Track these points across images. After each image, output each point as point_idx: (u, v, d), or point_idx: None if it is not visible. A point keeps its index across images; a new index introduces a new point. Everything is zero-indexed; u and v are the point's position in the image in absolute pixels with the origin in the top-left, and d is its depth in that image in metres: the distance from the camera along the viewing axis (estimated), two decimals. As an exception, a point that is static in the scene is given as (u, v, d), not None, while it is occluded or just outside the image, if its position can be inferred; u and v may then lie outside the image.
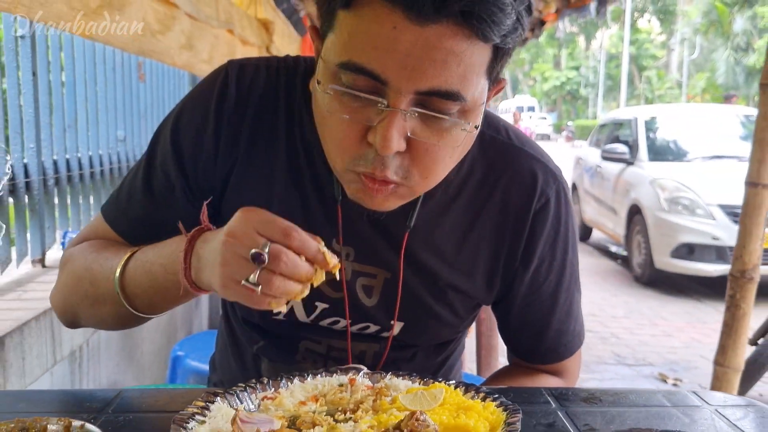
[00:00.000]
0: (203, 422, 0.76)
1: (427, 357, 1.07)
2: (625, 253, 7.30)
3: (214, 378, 1.20)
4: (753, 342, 3.80)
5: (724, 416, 0.88)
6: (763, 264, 5.95)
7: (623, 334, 5.13)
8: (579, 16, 5.35)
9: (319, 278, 0.73)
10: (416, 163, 0.79)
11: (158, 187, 0.94)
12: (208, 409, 0.78)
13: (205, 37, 3.07)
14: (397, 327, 1.00)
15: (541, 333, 1.04)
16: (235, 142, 0.92)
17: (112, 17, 1.96)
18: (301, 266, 0.69)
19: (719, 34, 26.81)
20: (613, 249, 7.94)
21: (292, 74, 0.95)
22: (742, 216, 2.22)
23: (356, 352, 1.02)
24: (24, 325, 1.52)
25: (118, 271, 0.87)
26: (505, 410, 0.77)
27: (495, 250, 0.97)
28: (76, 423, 0.70)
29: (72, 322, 1.01)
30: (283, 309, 0.74)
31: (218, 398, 0.80)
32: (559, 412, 0.87)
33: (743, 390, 3.72)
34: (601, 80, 41.23)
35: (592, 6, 5.07)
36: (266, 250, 0.68)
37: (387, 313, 0.98)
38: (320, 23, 0.80)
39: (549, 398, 0.92)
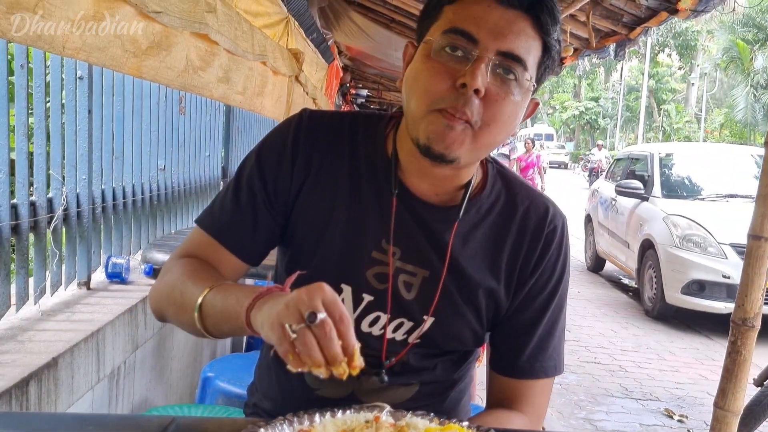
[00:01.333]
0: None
1: (446, 371, 1.22)
2: (636, 285, 7.38)
3: (254, 399, 1.32)
4: (759, 383, 3.88)
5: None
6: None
7: (631, 368, 5.20)
8: (598, 56, 5.48)
9: (341, 369, 0.83)
10: (487, 108, 1.01)
11: (244, 199, 1.15)
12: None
13: (240, 70, 3.23)
14: (428, 322, 1.15)
15: (523, 343, 1.19)
16: (307, 164, 1.14)
17: (159, 57, 2.13)
18: (335, 345, 0.81)
19: (739, 71, 26.84)
20: (625, 281, 8.02)
21: (355, 116, 1.21)
22: (745, 266, 2.32)
23: (388, 355, 1.17)
24: (75, 347, 1.67)
25: (200, 299, 1.01)
26: (512, 451, 0.90)
27: (513, 260, 1.17)
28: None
29: (161, 318, 1.18)
30: (293, 369, 0.83)
31: (261, 429, 0.93)
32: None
33: (748, 431, 3.79)
34: (620, 112, 41.28)
35: (611, 48, 5.21)
36: (320, 316, 0.81)
37: (421, 308, 1.14)
38: (418, 33, 1.09)
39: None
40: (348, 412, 1.02)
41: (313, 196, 1.15)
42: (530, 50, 1.03)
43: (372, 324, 1.15)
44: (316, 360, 0.81)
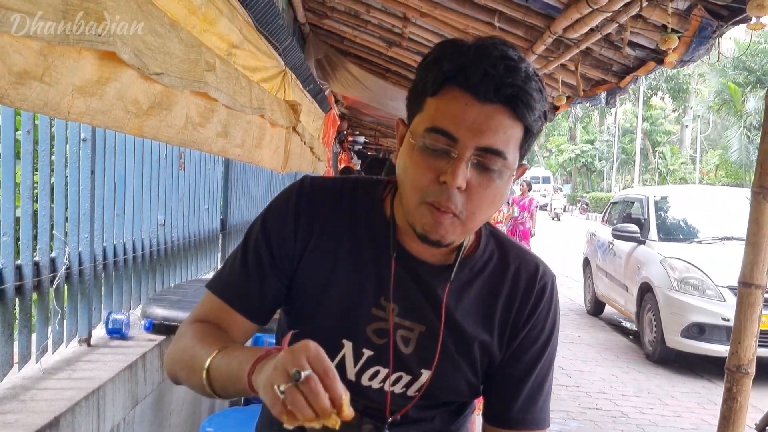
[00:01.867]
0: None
1: (444, 422, 1.27)
2: (636, 329, 7.36)
3: None
4: (761, 428, 3.86)
5: None
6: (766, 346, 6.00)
7: (633, 414, 5.17)
8: (590, 103, 5.60)
9: (332, 421, 0.86)
10: (470, 201, 1.07)
11: (252, 263, 1.21)
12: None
13: (238, 124, 3.30)
14: (425, 375, 1.20)
15: (515, 394, 1.24)
16: (309, 229, 1.21)
17: (160, 116, 2.19)
18: (322, 399, 0.85)
19: (732, 113, 27.21)
20: (626, 324, 8.01)
21: (355, 182, 1.28)
22: (737, 313, 2.36)
23: (390, 408, 1.22)
24: (75, 405, 1.69)
25: (207, 362, 1.07)
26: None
27: (506, 314, 1.23)
28: None
29: (175, 381, 1.22)
30: (289, 426, 0.87)
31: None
32: None
33: (751, 477, 3.76)
34: (615, 154, 41.64)
35: (602, 95, 5.32)
36: (305, 374, 0.85)
37: (419, 362, 1.20)
38: (408, 115, 1.15)
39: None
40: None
41: (315, 259, 1.21)
42: (510, 139, 1.07)
43: (372, 378, 1.21)
44: (307, 416, 0.85)
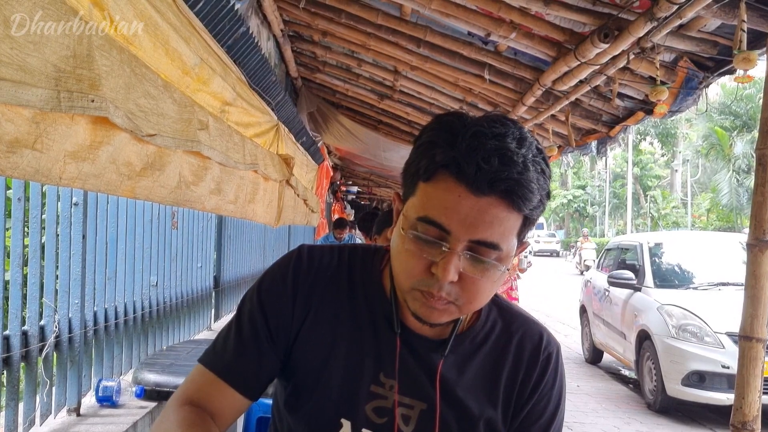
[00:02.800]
0: None
1: None
2: (636, 377, 7.27)
3: None
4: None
5: None
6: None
7: (637, 468, 5.06)
8: (581, 152, 5.64)
9: None
10: (464, 291, 1.03)
11: (247, 336, 1.16)
12: None
13: (232, 180, 3.29)
14: None
15: None
16: (307, 300, 1.16)
17: (153, 177, 2.18)
18: None
19: (720, 157, 27.54)
20: (625, 372, 7.90)
21: (352, 252, 1.23)
22: (739, 368, 2.33)
23: None
24: (63, 482, 1.63)
25: None
26: None
27: (510, 387, 1.18)
28: None
29: None
30: None
31: None
32: None
33: None
34: (607, 199, 41.91)
35: (593, 144, 5.37)
36: None
37: None
38: (403, 192, 1.10)
39: None
40: None
41: (313, 333, 1.17)
42: (506, 231, 1.02)
43: None
44: None
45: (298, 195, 5.28)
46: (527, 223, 1.05)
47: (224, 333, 1.21)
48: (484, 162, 0.97)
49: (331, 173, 9.74)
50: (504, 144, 0.98)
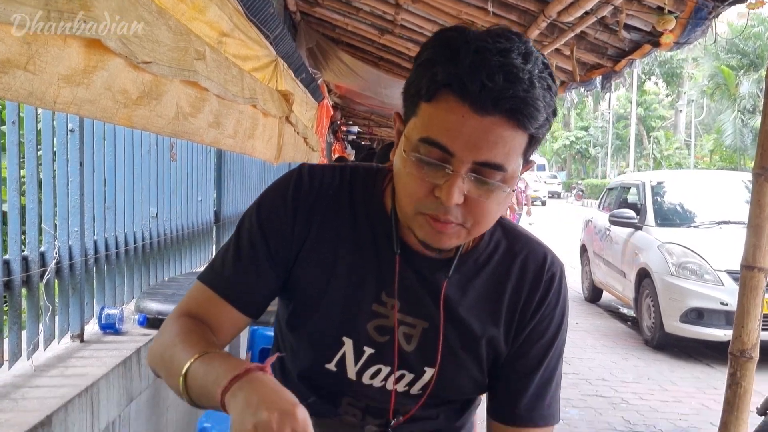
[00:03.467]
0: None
1: (448, 419, 1.23)
2: (635, 315, 7.36)
3: None
4: (762, 412, 3.85)
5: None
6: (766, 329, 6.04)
7: (633, 400, 5.16)
8: (585, 88, 5.55)
9: None
10: (470, 213, 1.01)
11: (246, 254, 1.15)
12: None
13: (230, 114, 3.25)
14: (428, 374, 1.15)
15: (522, 390, 1.18)
16: (308, 220, 1.15)
17: (150, 106, 2.14)
18: None
19: (726, 97, 27.23)
20: (624, 311, 8.00)
21: (353, 171, 1.21)
22: (740, 297, 2.33)
23: (394, 408, 1.18)
24: (68, 403, 1.65)
25: (185, 367, 1.00)
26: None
27: (513, 306, 1.17)
28: None
29: (156, 374, 1.16)
30: None
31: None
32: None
33: (752, 460, 3.75)
34: (610, 140, 41.66)
35: (597, 80, 5.28)
36: None
37: (422, 360, 1.15)
38: (404, 112, 1.06)
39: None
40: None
41: (314, 253, 1.15)
42: (511, 151, 0.99)
43: (373, 377, 1.16)
44: None
45: (298, 133, 5.23)
46: (533, 141, 1.02)
47: (223, 252, 1.19)
48: (488, 79, 0.92)
49: (332, 112, 9.64)
50: (509, 60, 0.93)
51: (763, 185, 2.31)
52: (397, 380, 1.16)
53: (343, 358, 1.16)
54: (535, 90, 0.95)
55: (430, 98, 0.98)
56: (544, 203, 33.83)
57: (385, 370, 1.16)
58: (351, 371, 1.16)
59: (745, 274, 2.31)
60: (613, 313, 8.47)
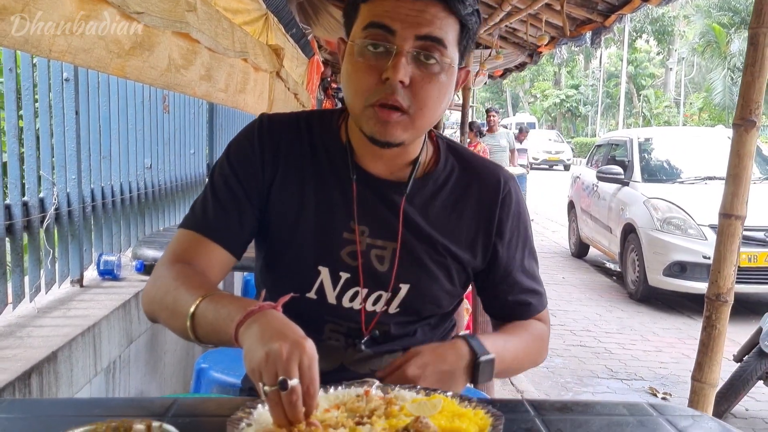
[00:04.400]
0: (250, 425, 0.95)
1: (425, 335, 1.31)
2: (620, 269, 7.50)
3: (249, 385, 1.38)
4: (738, 359, 3.99)
5: (672, 424, 1.07)
6: (745, 282, 6.19)
7: (616, 349, 5.31)
8: (574, 44, 5.56)
9: (301, 427, 0.88)
10: (415, 95, 1.10)
11: (223, 196, 1.23)
12: (252, 414, 0.97)
13: (222, 67, 3.27)
14: (404, 290, 1.25)
15: (509, 290, 1.33)
16: (274, 162, 1.24)
17: (142, 57, 2.17)
18: (298, 412, 0.88)
19: (716, 55, 27.14)
20: (609, 266, 8.14)
21: (310, 114, 1.31)
22: (717, 244, 2.41)
23: (369, 326, 1.26)
24: (72, 341, 1.72)
25: (193, 308, 1.06)
26: (491, 416, 0.97)
27: (475, 225, 1.29)
28: (155, 423, 0.89)
29: (152, 319, 1.23)
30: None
31: (259, 405, 0.99)
32: (536, 420, 1.07)
33: (729, 405, 3.90)
34: (600, 98, 41.55)
35: (587, 36, 5.29)
36: (291, 383, 0.86)
37: (396, 278, 1.24)
38: (345, 30, 1.18)
39: (528, 408, 1.12)
40: (339, 388, 1.08)
41: (283, 192, 1.24)
42: (446, 30, 1.11)
43: (352, 299, 1.25)
44: (279, 422, 0.88)
45: (288, 88, 5.23)
46: (465, 31, 1.14)
47: (201, 199, 1.26)
48: None
49: (322, 68, 9.57)
50: None
51: (742, 135, 2.36)
52: (376, 301, 1.25)
53: (321, 285, 1.24)
54: None
55: None
56: (567, 167, 30.32)
57: (363, 291, 1.24)
58: (331, 296, 1.25)
59: (723, 222, 2.39)
60: (599, 267, 8.62)
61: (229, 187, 1.23)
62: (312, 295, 1.25)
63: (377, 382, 1.10)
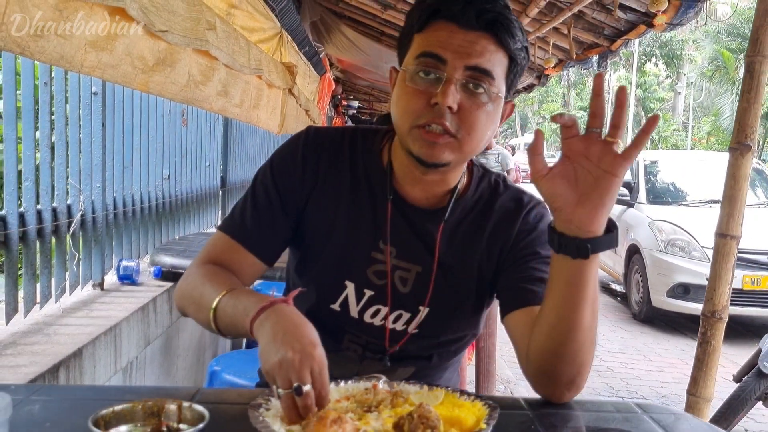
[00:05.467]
0: (269, 410, 1.04)
1: (440, 358, 1.36)
2: (624, 290, 7.55)
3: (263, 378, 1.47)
4: (737, 379, 4.04)
5: (656, 421, 1.16)
6: (748, 305, 6.21)
7: (618, 368, 5.37)
8: (582, 67, 5.68)
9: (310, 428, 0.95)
10: (462, 122, 1.14)
11: (262, 205, 1.30)
12: (270, 401, 1.07)
13: (237, 84, 3.40)
14: (423, 312, 1.29)
15: (528, 279, 1.26)
16: (314, 175, 1.29)
17: (165, 73, 2.29)
18: (312, 412, 0.94)
19: (725, 80, 27.21)
20: (614, 286, 8.19)
21: (354, 131, 1.36)
22: (713, 262, 2.50)
23: (390, 344, 1.31)
24: (96, 339, 1.83)
25: (215, 302, 1.15)
26: (488, 407, 1.06)
27: (494, 243, 1.30)
28: (186, 404, 0.99)
29: (183, 313, 1.31)
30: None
31: (278, 391, 1.08)
32: (530, 414, 1.16)
33: (728, 424, 3.95)
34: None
35: (594, 59, 5.40)
36: (305, 388, 0.94)
37: (416, 300, 1.29)
38: (399, 58, 1.22)
39: (523, 404, 1.20)
40: (349, 382, 1.18)
41: (319, 204, 1.30)
42: (495, 63, 1.16)
43: (373, 316, 1.30)
44: (292, 420, 0.95)
45: (300, 105, 5.36)
46: (513, 65, 1.19)
47: (241, 203, 1.33)
48: (469, 1, 1.13)
49: (333, 86, 9.73)
50: None
51: (738, 158, 2.47)
52: (396, 319, 1.30)
53: (346, 299, 1.30)
54: (510, 12, 1.15)
55: (422, 28, 1.16)
56: None
57: (384, 310, 1.30)
58: (353, 311, 1.30)
59: (719, 242, 2.48)
60: (604, 288, 8.66)
61: (268, 196, 1.29)
62: (336, 306, 1.30)
63: (384, 378, 1.19)
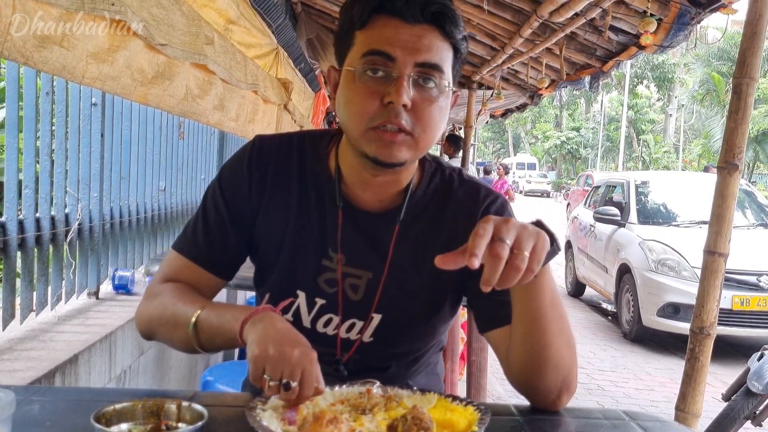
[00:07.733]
0: (265, 410, 1.07)
1: (399, 369, 1.32)
2: (615, 309, 7.59)
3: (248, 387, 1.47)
4: (726, 398, 4.08)
5: (642, 427, 1.19)
6: (738, 325, 6.26)
7: (608, 387, 5.39)
8: (574, 87, 5.76)
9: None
10: (418, 118, 1.12)
11: (212, 221, 1.27)
12: (265, 403, 1.09)
13: (234, 98, 3.44)
14: (376, 320, 1.27)
15: (501, 295, 1.16)
16: (262, 185, 1.27)
17: (163, 86, 2.33)
18: (291, 404, 0.99)
19: (716, 103, 27.56)
20: (605, 305, 8.23)
21: (301, 137, 1.32)
22: (701, 279, 2.54)
23: (343, 353, 1.29)
24: (91, 346, 1.84)
25: (194, 317, 1.15)
26: (479, 411, 1.09)
27: (451, 243, 1.17)
28: (185, 404, 1.01)
29: (148, 337, 1.31)
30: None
31: (272, 397, 1.11)
32: (520, 420, 1.18)
33: (717, 443, 3.97)
34: (600, 142, 41.99)
35: (586, 80, 5.49)
36: (293, 385, 0.97)
37: (368, 307, 1.27)
38: (338, 59, 1.18)
39: (514, 410, 1.23)
40: (344, 386, 1.20)
41: (269, 214, 1.28)
42: (443, 56, 1.14)
43: (326, 325, 1.29)
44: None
45: (295, 121, 5.40)
46: (458, 56, 1.18)
47: (193, 221, 1.31)
48: None
49: (328, 103, 9.79)
50: None
51: (726, 177, 2.51)
52: (350, 328, 1.28)
53: (298, 309, 1.28)
54: (451, 2, 1.14)
55: (364, 24, 1.13)
56: (548, 194, 36.29)
57: (336, 319, 1.28)
58: (306, 320, 1.28)
59: (707, 259, 2.52)
60: (595, 307, 8.71)
61: (218, 212, 1.26)
62: (288, 317, 1.28)
63: (378, 383, 1.21)
